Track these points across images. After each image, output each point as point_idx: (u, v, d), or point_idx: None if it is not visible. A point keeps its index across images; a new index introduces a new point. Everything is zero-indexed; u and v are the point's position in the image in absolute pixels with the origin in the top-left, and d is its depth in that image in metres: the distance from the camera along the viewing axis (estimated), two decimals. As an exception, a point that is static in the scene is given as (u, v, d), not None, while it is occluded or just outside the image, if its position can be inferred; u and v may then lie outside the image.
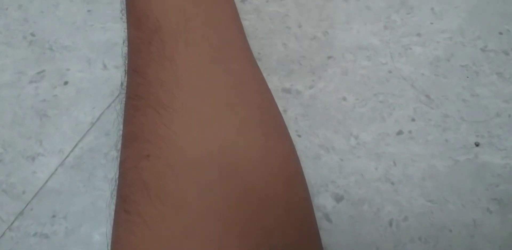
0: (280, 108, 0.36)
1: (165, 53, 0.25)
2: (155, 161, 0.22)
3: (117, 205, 0.23)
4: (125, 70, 0.28)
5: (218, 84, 0.25)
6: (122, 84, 0.34)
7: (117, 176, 0.24)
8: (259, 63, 0.30)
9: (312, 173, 0.35)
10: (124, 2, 0.29)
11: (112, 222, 0.23)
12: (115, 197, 0.24)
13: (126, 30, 0.29)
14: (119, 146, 0.26)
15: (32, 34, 0.40)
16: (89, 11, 0.41)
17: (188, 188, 0.21)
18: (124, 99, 0.26)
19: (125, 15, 0.29)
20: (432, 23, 0.41)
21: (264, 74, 0.30)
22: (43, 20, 0.40)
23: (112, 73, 0.38)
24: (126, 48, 0.29)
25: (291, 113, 0.37)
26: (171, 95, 0.24)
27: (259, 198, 0.22)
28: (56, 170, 0.36)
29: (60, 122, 0.37)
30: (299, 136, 0.37)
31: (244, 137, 0.23)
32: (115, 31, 0.39)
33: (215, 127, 0.23)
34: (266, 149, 0.24)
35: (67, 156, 0.36)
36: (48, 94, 0.38)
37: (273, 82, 0.38)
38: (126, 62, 0.28)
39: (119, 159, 0.24)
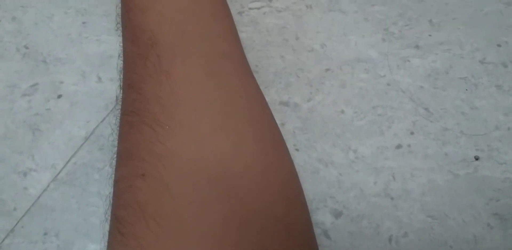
0: (278, 122, 0.35)
1: (161, 68, 0.24)
2: (151, 180, 0.21)
3: (111, 226, 0.22)
4: (120, 85, 0.27)
5: (215, 100, 0.24)
6: (117, 98, 0.34)
7: (111, 195, 0.23)
8: (256, 76, 0.30)
9: (310, 188, 0.35)
10: (120, 16, 0.29)
11: (106, 243, 0.22)
12: (109, 217, 0.23)
13: (121, 44, 0.29)
14: (114, 163, 0.25)
15: (26, 47, 0.39)
16: (84, 23, 0.40)
17: (185, 210, 0.20)
18: (119, 115, 0.25)
19: (121, 29, 0.28)
20: (430, 35, 0.40)
21: (262, 87, 0.30)
22: (37, 32, 0.40)
23: (106, 87, 0.37)
24: (122, 62, 0.28)
25: (289, 127, 0.37)
26: (167, 112, 0.23)
27: (259, 220, 0.21)
28: (48, 185, 0.35)
29: (53, 137, 0.36)
30: (297, 149, 0.36)
31: (243, 154, 0.22)
32: (110, 43, 0.39)
33: (213, 144, 0.22)
34: (266, 167, 0.23)
35: (60, 171, 0.35)
36: (41, 107, 0.37)
37: (271, 95, 0.38)
38: (122, 77, 0.27)
39: (113, 177, 0.24)
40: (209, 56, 0.26)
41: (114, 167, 0.24)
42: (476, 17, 0.41)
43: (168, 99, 0.23)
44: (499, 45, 0.40)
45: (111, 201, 0.23)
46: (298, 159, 0.35)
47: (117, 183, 0.23)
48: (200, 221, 0.20)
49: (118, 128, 0.25)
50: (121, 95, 0.27)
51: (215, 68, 0.25)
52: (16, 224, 0.34)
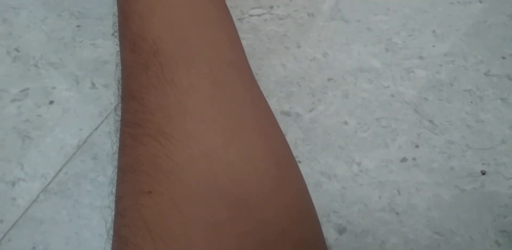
0: (280, 133, 0.34)
1: (164, 77, 0.23)
2: (158, 197, 0.19)
3: (114, 248, 0.20)
4: (119, 95, 0.26)
5: (223, 110, 0.23)
6: (116, 109, 0.32)
7: (113, 212, 0.22)
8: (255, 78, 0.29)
9: (313, 202, 0.33)
10: (117, 24, 0.27)
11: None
12: (111, 236, 0.21)
13: (118, 50, 0.27)
14: (114, 180, 0.23)
15: (17, 50, 0.37)
16: (78, 26, 0.38)
17: (195, 228, 0.19)
18: (120, 127, 0.24)
19: (118, 37, 0.27)
20: (434, 46, 0.40)
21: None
22: (28, 35, 0.38)
23: (101, 93, 0.36)
24: (120, 71, 0.26)
25: (291, 138, 0.36)
26: (173, 123, 0.22)
27: (273, 236, 0.20)
28: (38, 196, 0.33)
29: (44, 145, 0.34)
30: (299, 161, 0.35)
31: (254, 168, 0.21)
32: (106, 48, 0.37)
33: (223, 157, 0.21)
34: (278, 181, 0.22)
35: (50, 181, 0.33)
36: (31, 114, 0.35)
37: (272, 105, 0.37)
38: (120, 86, 0.25)
39: (114, 193, 0.22)
40: (214, 65, 0.24)
41: (116, 183, 0.23)
42: (479, 29, 0.41)
43: (174, 110, 0.22)
44: (503, 58, 0.39)
45: (114, 219, 0.21)
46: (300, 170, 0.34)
47: (120, 200, 0.21)
48: (211, 239, 0.19)
49: (118, 142, 0.24)
50: (120, 105, 0.25)
51: (220, 77, 0.24)
52: (3, 237, 0.32)
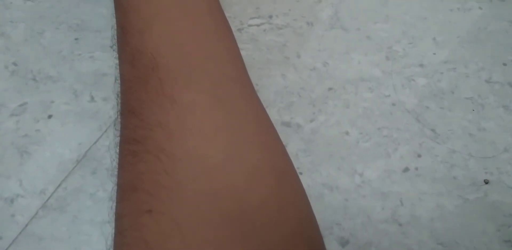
0: (280, 144, 0.33)
1: (164, 92, 0.23)
2: (158, 217, 0.19)
3: None
4: (118, 110, 0.26)
5: (223, 126, 0.22)
6: (115, 124, 0.32)
7: (113, 231, 0.21)
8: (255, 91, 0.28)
9: (315, 214, 0.33)
10: (116, 38, 0.27)
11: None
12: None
13: (117, 64, 0.27)
14: (114, 196, 0.23)
15: (14, 64, 0.37)
16: (76, 39, 0.38)
17: (197, 249, 0.18)
18: (119, 142, 0.24)
19: (117, 50, 0.27)
20: (434, 54, 0.39)
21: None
22: (26, 48, 0.38)
23: (100, 106, 0.36)
24: (119, 85, 0.26)
25: (292, 149, 0.35)
26: (173, 140, 0.21)
27: None
28: (37, 212, 0.33)
29: (43, 160, 0.34)
30: (301, 173, 0.34)
31: (257, 186, 0.21)
32: (104, 60, 0.37)
33: (225, 175, 0.21)
34: (282, 199, 0.21)
35: (49, 197, 0.33)
36: (30, 128, 0.35)
37: (272, 115, 0.36)
38: (119, 100, 0.25)
39: (114, 210, 0.22)
40: (214, 80, 0.24)
41: (116, 200, 0.22)
42: (480, 36, 0.40)
43: (174, 126, 0.22)
44: (504, 64, 0.39)
45: (114, 238, 0.21)
46: (303, 184, 0.34)
47: (120, 218, 0.21)
48: None
49: (118, 157, 0.24)
50: (119, 119, 0.25)
51: (220, 92, 0.24)
52: (2, 255, 0.32)
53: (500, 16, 0.41)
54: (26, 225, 0.32)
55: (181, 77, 0.23)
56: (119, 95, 0.26)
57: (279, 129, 0.36)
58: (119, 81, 0.26)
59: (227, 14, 0.30)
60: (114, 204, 0.23)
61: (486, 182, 0.35)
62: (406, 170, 0.35)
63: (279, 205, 0.21)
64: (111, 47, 0.34)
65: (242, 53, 0.39)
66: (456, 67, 0.39)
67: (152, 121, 0.22)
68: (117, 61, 0.28)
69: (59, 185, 0.33)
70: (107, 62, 0.37)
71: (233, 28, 0.39)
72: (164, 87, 0.22)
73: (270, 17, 0.40)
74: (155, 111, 0.22)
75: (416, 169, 0.35)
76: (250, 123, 0.24)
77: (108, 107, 0.35)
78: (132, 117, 0.23)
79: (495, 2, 0.42)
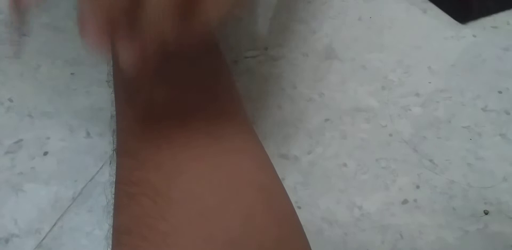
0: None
1: (160, 132, 0.23)
2: None
3: None
4: (113, 149, 0.25)
5: (220, 166, 0.22)
6: (110, 162, 0.32)
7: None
8: (253, 127, 0.28)
9: (315, 250, 0.33)
10: (112, 74, 0.27)
11: None
12: None
13: (114, 102, 0.27)
14: (109, 235, 0.23)
15: (10, 100, 0.37)
16: (72, 74, 0.38)
17: None
18: (115, 183, 0.23)
19: (113, 87, 0.27)
20: (430, 82, 0.39)
21: (259, 139, 0.28)
22: (22, 84, 0.38)
23: (96, 142, 0.35)
24: (114, 123, 0.26)
25: (290, 182, 0.35)
26: (170, 182, 0.21)
27: None
28: (32, 253, 0.32)
29: (38, 198, 0.34)
30: (299, 207, 0.34)
31: (254, 230, 0.20)
32: (100, 95, 0.37)
33: (220, 218, 0.20)
34: (280, 241, 0.21)
35: (44, 237, 0.32)
36: (25, 166, 0.35)
37: (269, 148, 0.36)
38: (115, 138, 0.25)
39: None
40: (210, 117, 0.24)
41: (111, 244, 0.22)
42: (474, 63, 0.40)
43: (169, 167, 0.22)
44: (500, 92, 0.39)
45: None
46: (301, 218, 0.33)
47: None
48: None
49: (113, 199, 0.23)
50: (114, 158, 0.25)
51: (217, 130, 0.24)
52: (-4, 298, 0.31)
53: (493, 43, 0.41)
54: (21, 266, 0.32)
55: (176, 116, 0.23)
56: (115, 133, 0.25)
57: (276, 161, 0.36)
58: (115, 119, 0.26)
59: (222, 46, 0.30)
60: (110, 245, 0.22)
61: (486, 213, 0.34)
62: (405, 202, 0.34)
63: (276, 248, 0.21)
64: (107, 82, 0.34)
65: (238, 84, 0.39)
66: (451, 95, 0.39)
67: (148, 162, 0.22)
68: (113, 95, 0.28)
69: (55, 224, 0.33)
70: (103, 97, 0.37)
71: (229, 60, 0.40)
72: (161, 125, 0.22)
73: (266, 48, 0.40)
74: (151, 151, 0.22)
75: (415, 200, 0.35)
76: (246, 162, 0.23)
77: (104, 143, 0.35)
78: (128, 157, 0.23)
79: (488, 29, 0.42)
